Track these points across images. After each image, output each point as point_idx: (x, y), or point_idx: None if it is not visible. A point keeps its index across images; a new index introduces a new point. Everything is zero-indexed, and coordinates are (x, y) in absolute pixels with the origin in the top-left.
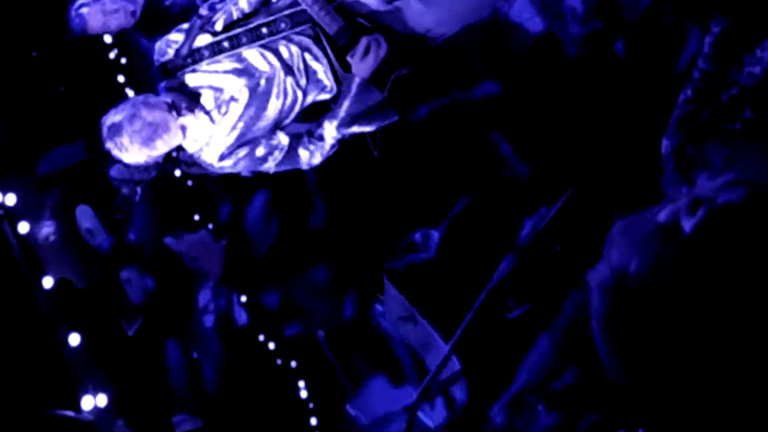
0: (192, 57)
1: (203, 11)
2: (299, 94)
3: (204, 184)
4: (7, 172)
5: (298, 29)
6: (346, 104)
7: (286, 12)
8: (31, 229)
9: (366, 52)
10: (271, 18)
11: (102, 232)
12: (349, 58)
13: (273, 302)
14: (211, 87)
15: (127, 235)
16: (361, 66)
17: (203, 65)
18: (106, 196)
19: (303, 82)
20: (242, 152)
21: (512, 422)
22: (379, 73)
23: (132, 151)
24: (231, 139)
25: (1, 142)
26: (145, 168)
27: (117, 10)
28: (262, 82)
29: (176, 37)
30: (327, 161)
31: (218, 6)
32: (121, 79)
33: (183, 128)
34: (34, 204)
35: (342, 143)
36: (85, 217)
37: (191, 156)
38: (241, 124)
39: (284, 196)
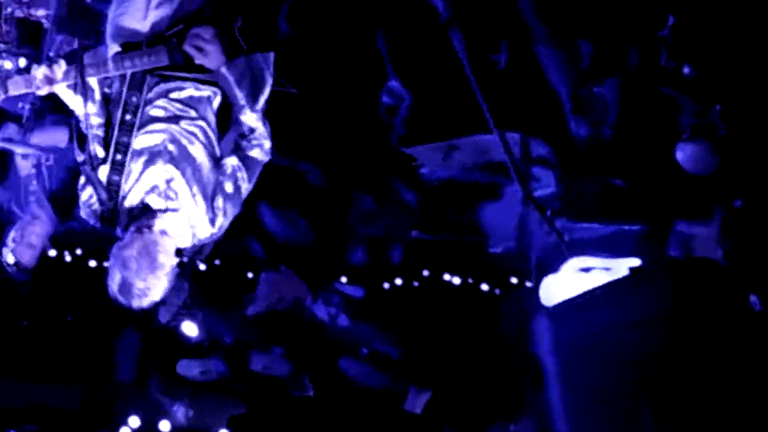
0: (112, 192)
1: (80, 158)
2: (201, 123)
3: (222, 250)
4: (113, 409)
5: (145, 90)
6: (237, 92)
7: (125, 89)
8: (171, 422)
9: (200, 49)
10: (122, 104)
11: (211, 363)
12: (199, 62)
13: (361, 257)
14: (146, 192)
15: (226, 343)
16: (211, 60)
17: (124, 187)
18: (180, 337)
19: (193, 113)
20: (219, 202)
21: (593, 123)
22: (227, 45)
23: (152, 286)
24: (202, 205)
25: (88, 398)
26: (175, 289)
27: (23, 230)
28: (171, 147)
29: (86, 194)
30: (274, 135)
31: (88, 148)
32: (92, 263)
33: (164, 233)
34: (150, 403)
35: (266, 113)
36: (188, 368)
37: (194, 246)
38: (195, 188)
39: (276, 190)
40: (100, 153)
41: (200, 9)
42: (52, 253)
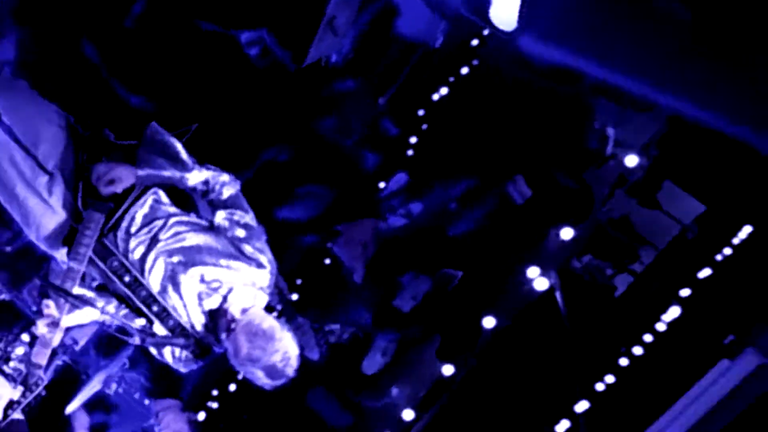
0: (181, 334)
1: (136, 341)
2: (172, 220)
3: (291, 268)
4: None
5: (114, 250)
6: (165, 174)
7: (101, 265)
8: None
9: (110, 182)
10: (113, 275)
11: (381, 344)
12: (120, 190)
13: (372, 158)
14: (200, 305)
15: (370, 319)
16: (125, 178)
17: (184, 321)
18: (342, 355)
19: (159, 222)
20: (247, 248)
21: None
22: (120, 158)
23: (285, 348)
24: (240, 266)
25: None
26: (298, 330)
27: (163, 428)
28: (175, 259)
29: (168, 356)
30: (219, 160)
31: (131, 329)
32: (232, 387)
33: (244, 310)
34: (376, 416)
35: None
36: (371, 364)
37: (271, 293)
38: (223, 261)
39: (271, 191)
40: (141, 321)
41: (76, 160)
42: (201, 416)
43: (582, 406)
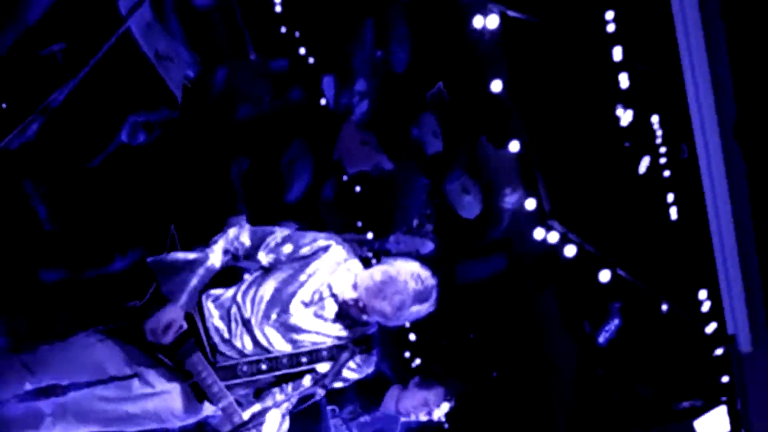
0: (338, 351)
1: (320, 392)
2: (239, 296)
3: (338, 230)
4: None
5: (229, 363)
6: (193, 282)
7: (232, 380)
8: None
9: (166, 328)
10: (255, 375)
11: (451, 185)
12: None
13: (297, 94)
14: (323, 319)
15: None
16: (177, 314)
17: (327, 341)
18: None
19: (234, 310)
20: (305, 250)
21: None
22: (154, 304)
23: (406, 272)
24: (317, 264)
25: None
26: (398, 246)
27: None
28: (274, 316)
29: (351, 374)
30: (217, 225)
31: (308, 390)
32: (412, 337)
33: (354, 286)
34: None
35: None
36: (469, 209)
37: (355, 251)
38: (302, 278)
39: (265, 195)
40: (308, 378)
41: (135, 345)
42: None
43: (626, 81)
